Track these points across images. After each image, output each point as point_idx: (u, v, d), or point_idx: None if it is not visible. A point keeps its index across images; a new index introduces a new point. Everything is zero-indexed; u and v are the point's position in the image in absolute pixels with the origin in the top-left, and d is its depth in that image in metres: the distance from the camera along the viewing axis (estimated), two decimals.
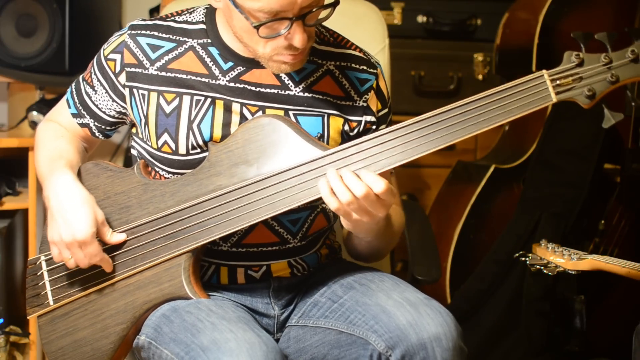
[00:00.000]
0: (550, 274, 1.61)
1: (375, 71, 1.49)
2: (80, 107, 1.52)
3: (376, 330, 1.30)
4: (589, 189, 2.37)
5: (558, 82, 1.28)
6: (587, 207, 2.37)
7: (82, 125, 1.53)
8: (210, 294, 1.42)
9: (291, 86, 1.43)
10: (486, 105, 1.28)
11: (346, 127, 1.46)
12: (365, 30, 1.96)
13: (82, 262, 1.37)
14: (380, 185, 1.25)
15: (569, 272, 1.59)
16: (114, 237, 1.38)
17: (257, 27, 1.28)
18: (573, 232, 2.36)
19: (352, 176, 1.26)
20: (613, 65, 1.28)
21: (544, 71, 1.28)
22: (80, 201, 1.35)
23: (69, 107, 1.53)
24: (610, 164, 2.45)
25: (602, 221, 2.38)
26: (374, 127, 1.48)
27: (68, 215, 1.34)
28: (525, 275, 2.32)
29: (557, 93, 1.28)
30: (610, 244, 2.40)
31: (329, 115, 1.44)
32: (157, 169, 1.45)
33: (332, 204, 1.27)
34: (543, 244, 1.64)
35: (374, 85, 1.48)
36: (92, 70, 1.49)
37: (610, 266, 1.55)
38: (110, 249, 1.39)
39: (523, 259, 1.68)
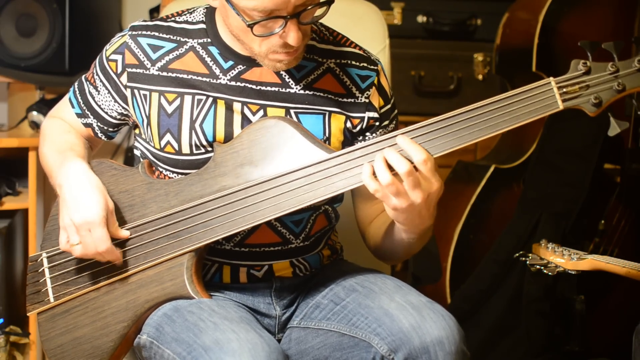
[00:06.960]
0: (550, 274, 1.61)
1: (376, 68, 1.49)
2: (85, 107, 1.52)
3: (379, 333, 1.30)
4: (589, 189, 2.36)
5: (565, 89, 1.29)
6: (587, 207, 2.37)
7: (86, 125, 1.53)
8: (212, 294, 1.42)
9: (292, 84, 1.43)
10: (493, 111, 1.28)
11: (348, 124, 1.46)
12: (365, 30, 1.95)
13: (90, 248, 1.35)
14: (420, 155, 1.24)
15: (569, 272, 1.59)
16: (120, 231, 1.38)
17: (251, 26, 1.28)
18: (573, 232, 2.36)
19: (395, 155, 1.25)
20: (620, 74, 1.29)
21: (551, 78, 1.29)
22: (93, 186, 1.36)
23: (73, 107, 1.53)
24: (610, 164, 2.45)
25: (602, 221, 2.38)
26: (377, 123, 1.48)
27: (80, 198, 1.34)
28: (525, 275, 2.32)
29: (563, 100, 1.29)
30: (610, 244, 2.40)
31: (330, 113, 1.44)
32: (161, 169, 1.45)
33: (370, 187, 1.26)
34: (543, 244, 1.64)
35: (375, 82, 1.48)
36: (95, 71, 1.49)
37: (610, 266, 1.55)
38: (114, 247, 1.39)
39: (523, 259, 1.68)
